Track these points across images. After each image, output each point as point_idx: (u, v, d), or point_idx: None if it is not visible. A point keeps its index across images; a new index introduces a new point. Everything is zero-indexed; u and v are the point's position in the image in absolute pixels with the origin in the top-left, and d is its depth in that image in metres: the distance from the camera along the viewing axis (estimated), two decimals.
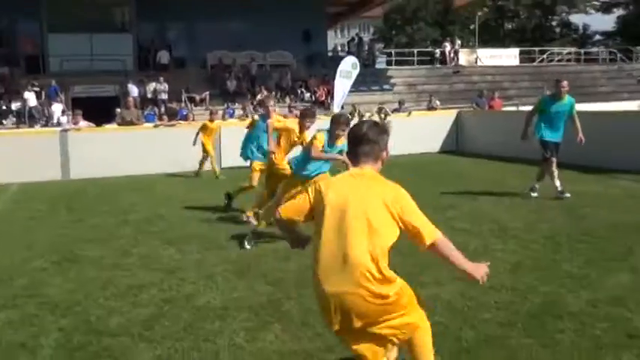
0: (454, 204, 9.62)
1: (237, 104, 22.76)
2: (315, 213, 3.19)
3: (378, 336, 3.16)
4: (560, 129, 9.78)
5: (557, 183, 9.64)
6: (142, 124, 16.87)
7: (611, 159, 12.49)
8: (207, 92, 23.32)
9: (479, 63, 37.00)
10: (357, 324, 3.07)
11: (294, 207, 3.30)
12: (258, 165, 9.28)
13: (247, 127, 9.75)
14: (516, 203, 9.47)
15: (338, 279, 3.02)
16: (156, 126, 17.00)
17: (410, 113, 18.87)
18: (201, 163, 14.65)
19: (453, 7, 63.99)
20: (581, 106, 24.43)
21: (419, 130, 18.14)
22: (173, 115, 19.67)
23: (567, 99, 9.75)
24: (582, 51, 44.29)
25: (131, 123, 16.12)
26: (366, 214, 3.04)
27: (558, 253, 6.55)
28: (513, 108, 22.94)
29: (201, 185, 13.09)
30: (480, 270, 3.23)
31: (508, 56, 39.53)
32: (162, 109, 21.79)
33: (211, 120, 14.54)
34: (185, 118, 19.00)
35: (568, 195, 9.55)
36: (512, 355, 4.15)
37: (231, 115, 20.38)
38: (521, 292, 5.36)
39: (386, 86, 29.69)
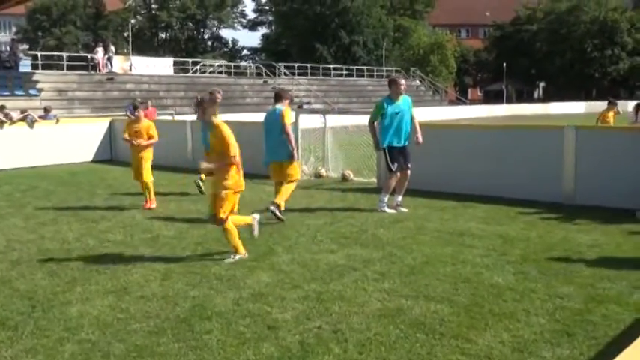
0: (106, 215, 9.39)
1: None
2: None
3: None
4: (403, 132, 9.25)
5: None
6: None
7: (259, 165, 13.46)
8: None
9: (133, 71, 36.76)
10: None
11: None
12: None
13: None
14: (170, 212, 9.64)
15: None
16: None
17: (58, 121, 17.79)
18: None
19: (104, 13, 62.33)
20: (230, 117, 25.97)
21: (70, 139, 17.27)
22: None
23: (403, 99, 9.27)
24: (232, 64, 47.35)
25: None
26: None
27: (208, 257, 6.85)
28: (169, 117, 23.33)
29: None
30: None
31: (163, 66, 40.13)
32: None
33: None
34: None
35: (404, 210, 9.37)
36: None
37: None
38: (172, 299, 5.46)
39: (32, 91, 27.55)
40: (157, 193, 10.38)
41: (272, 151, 8.92)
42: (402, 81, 9.40)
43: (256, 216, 7.27)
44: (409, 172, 9.41)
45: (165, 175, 13.72)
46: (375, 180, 12.08)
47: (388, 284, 5.79)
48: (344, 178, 12.77)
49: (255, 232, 7.19)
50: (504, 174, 10.28)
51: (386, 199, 9.37)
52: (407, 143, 9.31)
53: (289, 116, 8.93)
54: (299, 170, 9.05)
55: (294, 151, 8.85)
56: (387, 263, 6.49)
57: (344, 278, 6.01)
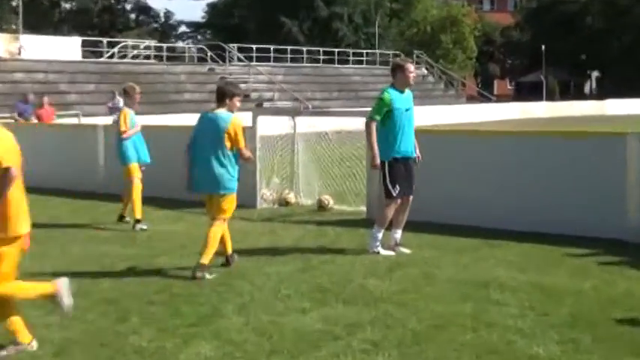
0: None
1: None
2: None
3: None
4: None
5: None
6: None
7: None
8: None
9: (24, 55, 36.53)
10: None
11: None
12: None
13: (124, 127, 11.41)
14: (73, 256, 9.58)
15: None
16: None
17: None
18: None
19: None
20: (159, 119, 25.71)
21: None
22: None
23: (409, 93, 9.46)
24: (165, 46, 47.31)
25: None
26: None
27: (124, 321, 6.72)
28: (74, 120, 23.14)
29: None
30: None
31: (67, 48, 39.95)
32: None
33: None
34: None
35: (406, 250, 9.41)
36: None
37: None
38: None
39: None
40: (55, 227, 10.24)
41: (203, 177, 8.46)
42: (411, 67, 9.49)
43: (61, 282, 6.21)
44: (411, 197, 9.40)
45: (67, 201, 13.54)
46: (364, 208, 12.09)
47: (383, 359, 5.71)
48: (321, 207, 12.75)
49: (65, 303, 6.16)
50: (545, 200, 10.34)
51: (380, 235, 9.34)
52: (414, 154, 9.37)
53: (242, 129, 8.50)
54: (234, 205, 8.61)
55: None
56: (382, 328, 6.43)
57: (320, 351, 5.92)
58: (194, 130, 8.70)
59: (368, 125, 9.26)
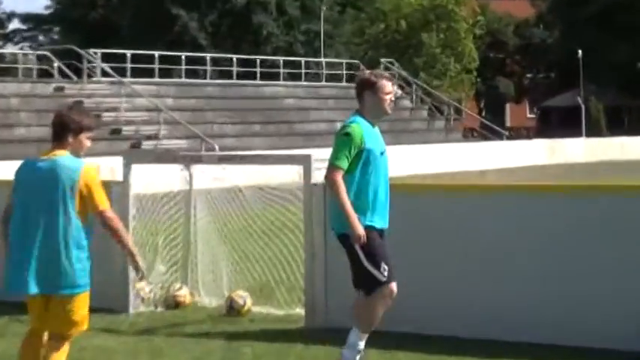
0: None
1: None
2: None
3: None
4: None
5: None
6: None
7: None
8: None
9: None
10: None
11: None
12: None
13: None
14: None
15: None
16: None
17: None
18: None
19: None
20: None
21: None
22: None
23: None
24: None
25: None
26: None
27: None
28: None
29: None
30: None
31: None
32: None
33: None
34: None
35: None
36: None
37: None
38: None
39: None
40: None
41: (31, 269, 7.90)
42: (388, 84, 9.42)
43: None
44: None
45: None
46: (301, 312, 12.03)
47: None
48: (232, 309, 12.62)
49: None
50: (572, 299, 10.34)
51: (362, 344, 9.16)
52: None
53: (100, 184, 8.13)
54: (87, 311, 8.19)
55: (136, 262, 8.34)
56: None
57: None
58: (14, 189, 8.22)
59: (331, 178, 9.06)
